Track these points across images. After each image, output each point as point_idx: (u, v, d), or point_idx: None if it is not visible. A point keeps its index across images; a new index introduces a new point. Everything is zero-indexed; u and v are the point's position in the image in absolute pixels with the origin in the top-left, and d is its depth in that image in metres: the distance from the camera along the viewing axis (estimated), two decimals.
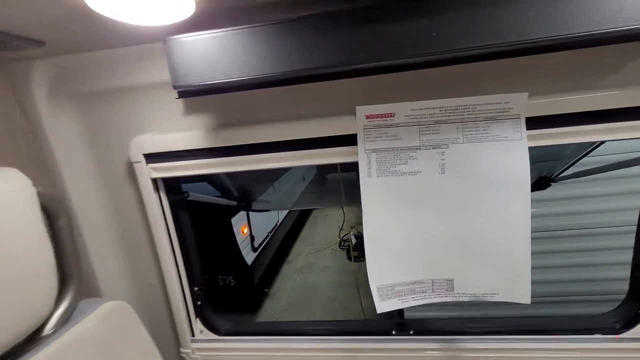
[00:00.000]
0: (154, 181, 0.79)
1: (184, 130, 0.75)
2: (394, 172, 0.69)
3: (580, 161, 1.12)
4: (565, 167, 1.14)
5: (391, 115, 0.67)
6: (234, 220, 2.82)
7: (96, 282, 0.86)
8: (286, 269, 3.94)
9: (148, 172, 0.76)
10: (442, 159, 0.67)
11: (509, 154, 0.65)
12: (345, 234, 4.16)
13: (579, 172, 1.23)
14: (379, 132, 0.68)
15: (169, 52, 0.55)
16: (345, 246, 4.01)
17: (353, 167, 0.71)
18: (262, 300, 3.50)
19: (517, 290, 0.67)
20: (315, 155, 0.71)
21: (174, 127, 0.77)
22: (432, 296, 0.69)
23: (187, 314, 0.89)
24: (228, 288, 3.05)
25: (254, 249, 3.15)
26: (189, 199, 0.84)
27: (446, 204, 0.68)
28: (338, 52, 0.52)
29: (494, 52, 0.63)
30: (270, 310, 3.39)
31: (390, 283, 0.69)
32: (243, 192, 1.35)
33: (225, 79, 0.54)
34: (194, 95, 0.70)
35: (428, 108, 0.65)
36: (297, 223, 4.54)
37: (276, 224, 3.70)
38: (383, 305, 0.68)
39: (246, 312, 3.39)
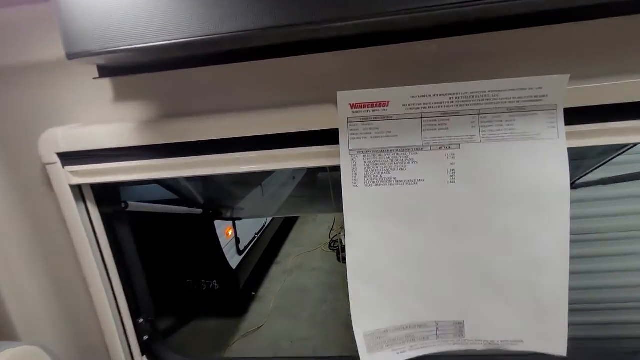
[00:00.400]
0: (77, 188, 0.60)
1: (114, 122, 0.56)
2: (387, 181, 0.51)
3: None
4: (589, 171, 0.97)
5: (384, 104, 0.49)
6: (217, 222, 2.64)
7: (10, 320, 0.68)
8: (275, 270, 3.79)
9: (65, 177, 0.58)
10: (451, 164, 0.50)
11: (542, 157, 0.48)
12: (336, 235, 4.01)
13: (608, 178, 1.00)
14: (368, 127, 0.51)
15: (57, 3, 0.37)
16: (335, 247, 3.86)
17: None
18: (249, 304, 3.35)
19: (549, 337, 0.51)
20: (283, 157, 0.53)
21: (102, 118, 0.59)
22: (437, 344, 0.53)
23: (130, 352, 0.71)
24: (212, 292, 2.88)
25: (239, 252, 2.98)
26: (129, 209, 0.66)
27: (457, 224, 0.50)
28: (305, 4, 0.34)
29: (521, 17, 0.46)
30: (257, 314, 3.24)
31: (381, 328, 0.52)
32: (212, 197, 1.17)
33: (140, 43, 0.36)
34: (119, 74, 0.52)
35: (434, 95, 0.48)
36: (286, 223, 4.37)
37: (264, 225, 3.53)
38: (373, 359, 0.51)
39: (231, 316, 3.24)
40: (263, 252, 3.56)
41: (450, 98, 0.48)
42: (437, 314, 0.53)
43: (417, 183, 0.51)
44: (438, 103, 0.48)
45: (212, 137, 0.53)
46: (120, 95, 0.58)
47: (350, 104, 0.50)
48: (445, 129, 0.49)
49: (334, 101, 0.50)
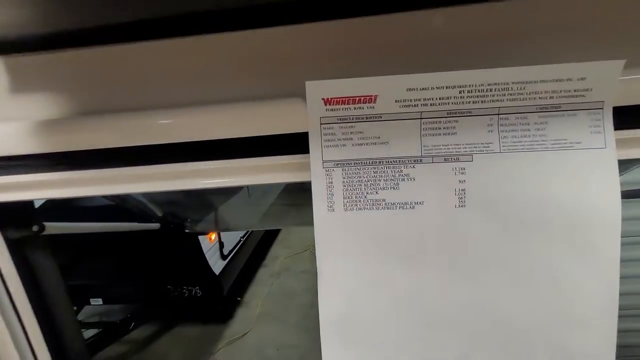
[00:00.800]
0: None
1: (12, 120, 0.42)
2: (374, 203, 0.38)
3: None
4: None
5: (370, 99, 0.35)
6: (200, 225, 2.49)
7: None
8: (262, 273, 3.64)
9: None
10: (460, 181, 0.37)
11: (583, 174, 0.35)
12: None
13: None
14: (348, 131, 0.37)
15: None
16: None
17: None
18: (234, 309, 3.20)
19: None
20: (233, 170, 0.39)
21: None
22: None
23: None
24: (194, 299, 2.73)
25: (224, 257, 2.83)
26: (44, 233, 0.51)
27: (467, 264, 0.37)
28: None
29: None
30: (243, 320, 3.10)
31: None
32: (174, 209, 1.01)
33: None
34: (15, 51, 0.37)
35: (438, 87, 0.34)
36: None
37: None
38: None
39: (215, 322, 3.09)
40: (249, 255, 3.42)
41: (461, 92, 0.35)
42: None
43: (414, 207, 0.37)
44: (444, 99, 0.35)
45: (136, 143, 0.39)
46: (20, 82, 0.43)
47: (323, 99, 0.36)
48: (453, 134, 0.36)
49: (302, 94, 0.36)
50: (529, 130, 0.36)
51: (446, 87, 0.35)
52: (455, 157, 0.36)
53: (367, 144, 0.37)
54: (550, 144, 0.36)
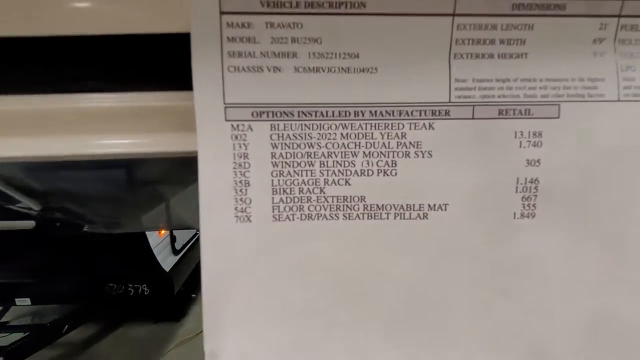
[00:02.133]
0: None
1: None
2: (339, 206, 0.17)
3: None
4: None
5: None
6: (146, 218, 2.18)
7: None
8: None
9: None
10: (531, 162, 0.17)
11: None
12: None
13: None
14: (286, 36, 0.16)
15: None
16: None
17: None
18: (188, 307, 2.93)
19: None
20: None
21: None
22: None
23: None
24: (142, 298, 2.43)
25: (175, 252, 2.54)
26: None
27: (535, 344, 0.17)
28: None
29: None
30: (197, 318, 2.83)
31: None
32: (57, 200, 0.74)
33: None
34: None
35: None
36: None
37: None
38: None
39: (167, 321, 2.80)
40: None
41: None
42: None
43: (426, 214, 0.17)
44: None
45: None
46: None
47: None
48: (521, 56, 0.16)
49: None
50: None
51: None
52: (522, 108, 0.16)
53: (328, 69, 0.16)
54: None
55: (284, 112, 0.16)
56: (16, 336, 2.00)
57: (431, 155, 0.16)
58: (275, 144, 0.17)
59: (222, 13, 0.15)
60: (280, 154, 0.16)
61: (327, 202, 0.17)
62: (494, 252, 0.18)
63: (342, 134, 0.17)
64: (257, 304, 0.17)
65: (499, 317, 0.19)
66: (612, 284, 0.17)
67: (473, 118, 0.16)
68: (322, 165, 0.17)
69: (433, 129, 0.16)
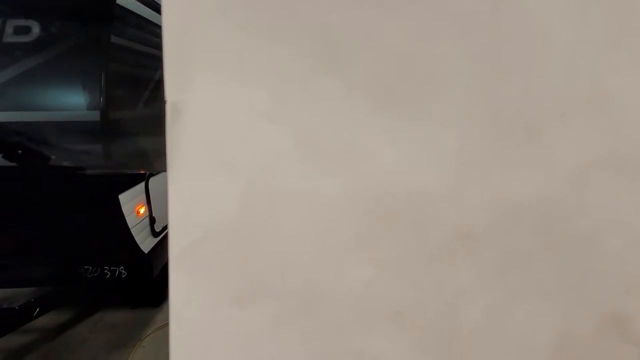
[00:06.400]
0: None
1: None
2: None
3: None
4: None
5: None
6: (123, 197, 2.07)
7: None
8: None
9: None
10: None
11: None
12: None
13: None
14: None
15: None
16: None
17: None
18: (168, 292, 2.80)
19: None
20: None
21: None
22: None
23: None
24: (119, 281, 2.30)
25: (155, 234, 2.42)
26: None
27: None
28: None
29: None
30: None
31: None
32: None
33: None
34: None
35: None
36: None
37: None
38: None
39: (146, 307, 2.67)
40: None
41: None
42: None
43: None
44: None
45: None
46: None
47: None
48: None
49: None
50: None
51: None
52: None
53: None
54: None
55: None
56: None
57: None
58: None
59: None
60: None
61: None
62: (494, 17, 0.14)
63: None
64: (225, 58, 0.13)
65: (497, 94, 0.15)
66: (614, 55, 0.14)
67: None
68: None
69: None
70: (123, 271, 2.26)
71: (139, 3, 1.79)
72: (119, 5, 1.72)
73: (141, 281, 2.37)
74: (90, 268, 2.21)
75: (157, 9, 2.08)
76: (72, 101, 1.77)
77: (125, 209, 2.08)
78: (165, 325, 2.50)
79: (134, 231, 2.18)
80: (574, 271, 0.17)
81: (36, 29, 1.70)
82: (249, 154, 0.14)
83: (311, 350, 0.15)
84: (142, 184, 2.23)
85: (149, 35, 2.16)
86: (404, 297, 0.16)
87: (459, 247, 0.16)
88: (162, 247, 2.49)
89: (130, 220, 2.14)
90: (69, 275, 2.21)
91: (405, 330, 0.16)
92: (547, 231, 0.17)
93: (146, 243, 2.31)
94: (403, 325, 0.17)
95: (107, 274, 2.25)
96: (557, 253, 0.17)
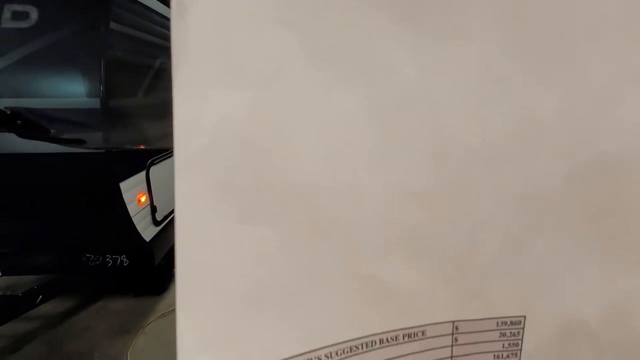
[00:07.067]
0: None
1: None
2: None
3: None
4: None
5: None
6: (124, 185, 2.05)
7: None
8: None
9: None
10: None
11: None
12: None
13: None
14: None
15: None
16: None
17: None
18: (170, 280, 2.80)
19: None
20: None
21: None
22: None
23: None
24: (121, 270, 2.29)
25: (156, 223, 2.41)
26: None
27: None
28: None
29: None
30: None
31: None
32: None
33: None
34: None
35: None
36: None
37: None
38: None
39: (148, 295, 2.67)
40: None
41: None
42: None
43: None
44: None
45: None
46: None
47: None
48: None
49: None
50: None
51: None
52: None
53: None
54: None
55: None
56: None
57: None
58: None
59: None
60: None
61: None
62: None
63: None
64: None
65: (526, 6, 0.14)
66: None
67: None
68: None
69: None
70: (125, 259, 2.26)
71: None
72: None
73: (143, 270, 2.37)
74: (92, 256, 2.20)
75: None
76: (71, 88, 1.74)
77: (126, 197, 2.07)
78: (167, 312, 2.50)
79: (135, 219, 2.16)
80: (600, 202, 0.16)
81: (34, 15, 1.67)
82: (259, 59, 0.12)
83: (322, 274, 0.14)
84: (143, 173, 2.21)
85: (149, 22, 2.13)
86: (419, 224, 0.15)
87: (479, 172, 0.15)
88: (163, 235, 2.48)
89: (131, 209, 2.12)
90: (71, 263, 2.20)
91: (419, 258, 0.15)
92: (572, 156, 0.16)
93: (147, 231, 2.30)
94: (417, 254, 0.16)
95: (109, 262, 2.25)
96: (582, 181, 0.16)
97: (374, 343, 0.15)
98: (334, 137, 0.14)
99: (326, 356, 0.14)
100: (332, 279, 0.14)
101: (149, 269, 2.35)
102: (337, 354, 0.14)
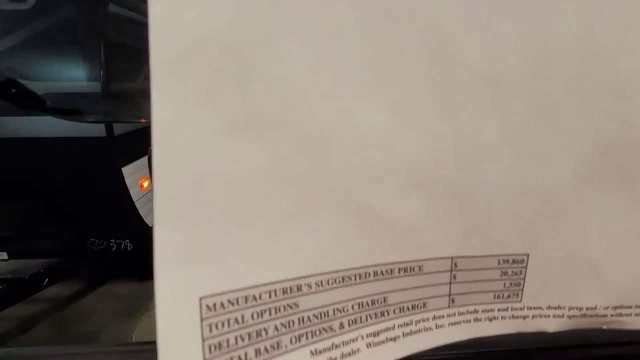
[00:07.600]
0: None
1: None
2: None
3: None
4: None
5: None
6: (127, 170, 2.05)
7: None
8: None
9: None
10: None
11: None
12: None
13: None
14: None
15: None
16: None
17: None
18: None
19: None
20: None
21: None
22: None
23: None
24: (125, 253, 2.31)
25: None
26: None
27: None
28: None
29: None
30: None
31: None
32: None
33: None
34: None
35: None
36: None
37: None
38: None
39: (152, 279, 2.71)
40: None
41: None
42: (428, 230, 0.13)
43: None
44: None
45: None
46: None
47: None
48: None
49: None
50: None
51: None
52: None
53: None
54: None
55: None
56: None
57: None
58: None
59: None
60: None
61: None
62: None
63: None
64: None
65: None
66: None
67: None
68: None
69: None
70: (128, 244, 2.28)
71: None
72: None
73: (146, 254, 2.39)
74: (96, 241, 2.22)
75: None
76: (70, 72, 1.72)
77: (128, 182, 2.07)
78: None
79: (138, 204, 2.17)
80: (611, 129, 0.14)
81: None
82: None
83: (313, 198, 0.13)
84: (145, 158, 2.21)
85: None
86: (419, 150, 0.14)
87: (483, 93, 0.14)
88: None
89: (134, 194, 2.13)
90: (76, 247, 2.23)
91: (417, 188, 0.14)
92: (583, 78, 0.14)
93: (150, 217, 2.31)
94: (416, 182, 0.15)
95: (113, 246, 2.27)
96: (593, 106, 0.15)
97: (367, 275, 0.14)
98: (326, 49, 0.12)
99: (317, 284, 0.13)
100: (323, 204, 0.13)
101: (152, 254, 2.37)
102: (328, 282, 0.14)
